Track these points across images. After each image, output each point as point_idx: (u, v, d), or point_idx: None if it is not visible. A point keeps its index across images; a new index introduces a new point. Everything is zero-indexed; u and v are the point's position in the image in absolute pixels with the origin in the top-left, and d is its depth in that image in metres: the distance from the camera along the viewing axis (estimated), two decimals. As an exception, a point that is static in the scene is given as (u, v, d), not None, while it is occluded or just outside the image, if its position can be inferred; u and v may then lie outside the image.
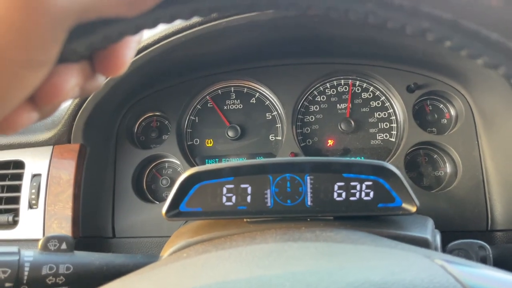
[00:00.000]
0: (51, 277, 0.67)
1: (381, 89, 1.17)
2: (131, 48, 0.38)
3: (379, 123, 1.16)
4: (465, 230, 1.01)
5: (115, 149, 1.16)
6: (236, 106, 1.20)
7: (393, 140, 1.15)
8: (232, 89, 1.21)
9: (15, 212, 1.06)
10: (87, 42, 0.34)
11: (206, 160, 1.19)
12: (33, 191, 1.04)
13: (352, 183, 0.73)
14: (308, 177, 0.74)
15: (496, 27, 0.33)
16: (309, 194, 0.74)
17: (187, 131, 1.20)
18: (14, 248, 0.68)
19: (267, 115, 1.19)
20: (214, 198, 0.75)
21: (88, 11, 0.30)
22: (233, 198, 0.75)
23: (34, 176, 1.06)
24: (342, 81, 1.19)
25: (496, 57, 0.34)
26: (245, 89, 1.21)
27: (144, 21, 0.34)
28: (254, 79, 1.19)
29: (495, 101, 1.02)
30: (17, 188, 1.07)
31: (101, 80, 0.40)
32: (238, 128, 1.16)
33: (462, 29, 0.33)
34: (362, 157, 1.14)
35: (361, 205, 0.73)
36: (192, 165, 1.15)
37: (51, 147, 1.09)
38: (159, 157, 1.19)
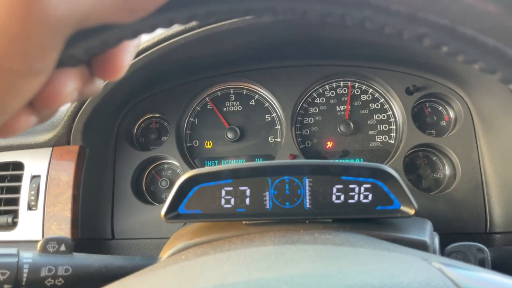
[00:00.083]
0: (50, 279, 0.67)
1: (380, 91, 1.17)
2: (130, 52, 0.38)
3: (378, 125, 1.16)
4: (463, 232, 1.01)
5: (115, 151, 1.17)
6: (235, 108, 1.20)
7: (392, 142, 1.15)
8: (232, 91, 1.21)
9: (14, 214, 1.06)
10: (85, 47, 0.34)
11: (206, 162, 1.19)
12: (32, 192, 1.04)
13: (351, 186, 0.73)
14: (306, 180, 0.74)
15: (492, 32, 0.33)
16: (307, 197, 0.74)
17: (187, 133, 1.21)
18: (13, 250, 0.68)
19: (266, 117, 1.19)
20: (213, 200, 0.75)
21: (87, 19, 0.31)
22: (232, 201, 0.75)
23: (33, 177, 1.06)
24: (342, 83, 1.19)
25: (492, 62, 0.35)
26: (245, 91, 1.21)
27: (142, 26, 0.34)
28: (253, 81, 1.19)
29: (494, 104, 1.02)
30: (16, 190, 1.07)
31: (100, 84, 0.40)
32: (238, 130, 1.17)
33: (459, 35, 0.33)
34: (361, 159, 1.15)
35: (360, 208, 0.73)
36: (191, 167, 1.16)
37: (50, 148, 1.09)
38: (158, 159, 1.19)
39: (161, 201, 1.17)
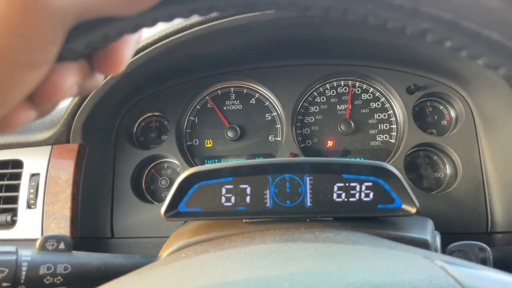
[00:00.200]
0: (49, 277, 0.67)
1: (381, 90, 1.17)
2: (130, 46, 0.38)
3: (379, 124, 1.15)
4: (464, 232, 1.01)
5: (114, 149, 1.16)
6: (235, 107, 1.20)
7: (393, 141, 1.14)
8: (232, 89, 1.21)
9: (13, 212, 1.05)
10: (86, 41, 0.34)
11: (206, 161, 1.19)
12: (32, 190, 1.04)
13: (352, 184, 0.73)
14: (307, 178, 0.74)
15: (496, 27, 0.33)
16: (308, 195, 0.74)
17: (187, 132, 1.20)
18: (11, 248, 0.67)
19: (266, 116, 1.19)
20: (213, 199, 0.75)
21: (87, 10, 0.30)
22: (232, 199, 0.75)
23: (32, 175, 1.06)
24: (342, 82, 1.19)
25: (496, 57, 0.34)
26: (245, 89, 1.21)
27: (143, 19, 0.34)
28: (254, 79, 1.18)
29: (495, 103, 1.02)
30: (16, 188, 1.07)
31: (100, 79, 0.40)
32: (238, 129, 1.16)
33: (463, 29, 0.33)
34: (362, 158, 1.14)
35: (361, 206, 0.72)
36: (191, 166, 1.15)
37: (49, 146, 1.08)
38: (158, 158, 1.18)
39: (161, 200, 1.16)
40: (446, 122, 1.14)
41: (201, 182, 0.74)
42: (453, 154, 1.08)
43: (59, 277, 0.68)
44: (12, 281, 0.65)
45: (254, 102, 1.20)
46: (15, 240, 1.02)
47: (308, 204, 0.74)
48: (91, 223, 1.07)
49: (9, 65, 0.29)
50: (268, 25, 0.94)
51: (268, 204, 0.74)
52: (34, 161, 1.07)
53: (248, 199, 0.75)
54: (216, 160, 1.18)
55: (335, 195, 0.73)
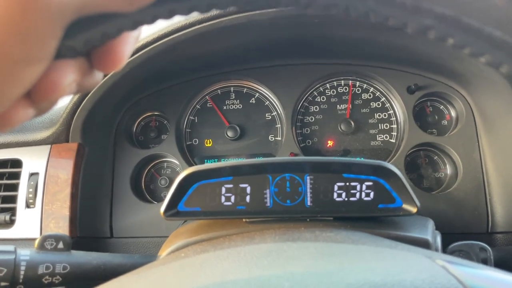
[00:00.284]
0: (47, 277, 0.66)
1: (381, 90, 1.17)
2: (129, 44, 0.38)
3: (379, 124, 1.15)
4: (465, 232, 1.00)
5: (114, 149, 1.16)
6: (235, 106, 1.20)
7: (393, 141, 1.14)
8: (232, 89, 1.21)
9: (12, 211, 1.05)
10: (85, 38, 0.33)
11: (205, 160, 1.18)
12: (31, 190, 1.03)
13: (352, 183, 0.72)
14: (307, 177, 0.73)
15: (499, 24, 0.33)
16: (308, 194, 0.73)
17: (186, 131, 1.20)
18: (10, 247, 0.67)
19: (266, 116, 1.18)
20: (213, 198, 0.74)
21: (87, 6, 0.30)
22: (232, 198, 0.74)
23: (31, 175, 1.05)
24: (342, 82, 1.18)
25: (498, 55, 0.34)
26: (245, 89, 1.20)
27: (142, 16, 0.34)
28: (253, 79, 1.18)
29: (495, 103, 1.02)
30: (14, 187, 1.06)
31: (99, 77, 0.40)
32: (238, 128, 1.16)
33: (465, 26, 0.33)
34: (362, 158, 1.14)
35: (361, 206, 0.72)
36: (191, 165, 1.15)
37: (49, 146, 1.08)
38: (158, 157, 1.18)
39: (160, 200, 1.16)
40: (446, 122, 1.14)
41: (200, 181, 0.74)
42: (454, 154, 1.08)
43: (58, 277, 0.67)
44: (10, 281, 0.64)
45: (254, 101, 1.19)
46: (14, 239, 1.02)
47: (308, 203, 0.74)
48: (90, 223, 1.07)
49: (7, 60, 0.29)
50: (268, 24, 0.94)
51: (268, 204, 0.74)
52: (33, 161, 1.07)
53: (248, 198, 0.74)
54: (216, 160, 1.18)
55: (335, 195, 0.73)
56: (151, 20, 0.35)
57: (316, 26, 0.99)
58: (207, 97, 1.20)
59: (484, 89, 1.02)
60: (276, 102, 1.17)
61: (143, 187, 1.18)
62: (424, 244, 0.65)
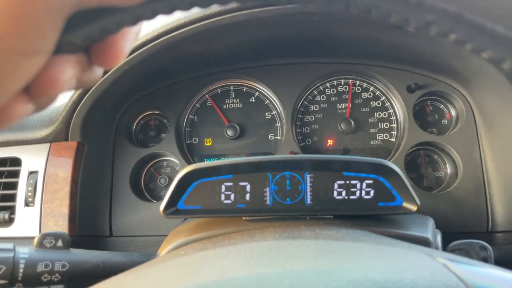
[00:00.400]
0: (46, 275, 0.66)
1: (381, 89, 1.16)
2: (129, 39, 0.37)
3: (379, 123, 1.15)
4: (465, 231, 1.00)
5: (113, 147, 1.16)
6: (235, 105, 1.19)
7: (393, 140, 1.14)
8: (232, 88, 1.20)
9: (11, 210, 1.05)
10: (85, 33, 0.33)
11: (205, 159, 1.18)
12: (30, 188, 1.03)
13: (352, 182, 0.72)
14: (308, 175, 0.73)
15: (501, 20, 0.32)
16: (308, 193, 0.73)
17: (186, 130, 1.20)
18: (9, 245, 0.67)
19: (266, 115, 1.18)
20: (213, 196, 0.74)
21: None
22: (232, 196, 0.74)
23: (30, 173, 1.05)
24: (342, 81, 1.18)
25: (501, 51, 0.34)
26: (245, 88, 1.20)
27: (143, 11, 0.34)
28: (253, 78, 1.18)
29: (495, 102, 1.01)
30: (14, 186, 1.06)
31: (99, 72, 0.40)
32: (237, 127, 1.16)
33: (467, 22, 0.33)
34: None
35: (361, 204, 0.72)
36: (190, 164, 1.15)
37: (48, 144, 1.08)
38: (157, 156, 1.18)
39: (160, 199, 1.16)
40: (446, 121, 1.14)
41: (200, 180, 0.74)
42: (454, 153, 1.08)
43: (57, 275, 0.67)
44: (9, 279, 0.64)
45: (254, 100, 1.19)
46: (13, 238, 1.02)
47: (308, 202, 0.73)
48: (89, 221, 1.07)
49: (7, 53, 0.29)
50: (268, 22, 0.94)
51: (268, 202, 0.74)
52: (32, 159, 1.06)
53: (247, 196, 0.74)
54: (216, 159, 1.18)
55: (335, 193, 0.72)
56: (151, 16, 0.34)
57: (316, 24, 0.99)
58: (207, 96, 1.20)
59: (484, 88, 1.02)
60: (276, 101, 1.17)
61: (143, 185, 1.17)
62: (424, 242, 0.65)
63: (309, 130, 1.17)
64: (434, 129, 1.13)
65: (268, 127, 1.18)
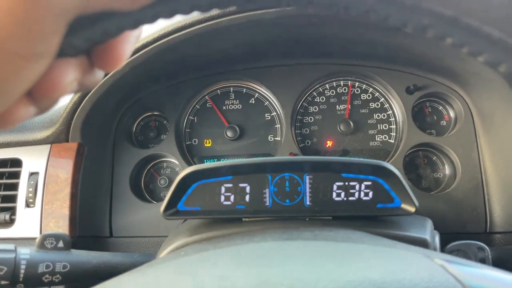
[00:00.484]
0: (47, 275, 0.67)
1: (380, 90, 1.17)
2: (130, 42, 0.38)
3: (378, 125, 1.16)
4: (463, 232, 1.01)
5: (113, 148, 1.16)
6: (235, 107, 1.20)
7: (392, 141, 1.14)
8: (231, 89, 1.21)
9: (12, 211, 1.05)
10: (86, 36, 0.33)
11: (205, 160, 1.19)
12: (31, 189, 1.04)
13: (351, 183, 0.73)
14: (307, 177, 0.74)
15: (497, 24, 0.33)
16: (307, 194, 0.74)
17: (186, 131, 1.20)
18: (10, 246, 0.67)
19: (266, 116, 1.19)
20: (213, 197, 0.75)
21: (90, 3, 0.30)
22: (232, 197, 0.74)
23: (31, 174, 1.05)
24: (342, 82, 1.19)
25: (497, 54, 0.34)
26: (244, 89, 1.21)
27: (143, 15, 0.34)
28: (253, 79, 1.18)
29: (494, 103, 1.02)
30: (14, 187, 1.06)
31: (100, 75, 0.40)
32: (237, 129, 1.16)
33: (464, 26, 0.33)
34: (361, 158, 1.14)
35: (360, 205, 0.72)
36: (190, 165, 1.15)
37: (49, 145, 1.08)
38: (157, 157, 1.18)
39: (160, 200, 1.16)
40: (445, 122, 1.14)
41: (200, 181, 0.74)
42: (452, 154, 1.08)
43: (58, 275, 0.68)
44: (10, 279, 0.65)
45: (253, 101, 1.20)
46: (14, 238, 1.02)
47: (308, 203, 0.74)
48: (89, 222, 1.07)
49: (12, 56, 0.29)
50: (268, 24, 0.94)
51: (268, 203, 0.74)
52: (33, 160, 1.07)
53: (247, 198, 0.74)
54: (215, 160, 1.18)
55: (334, 194, 0.73)
56: (152, 19, 0.35)
57: (316, 26, 0.99)
58: (206, 97, 1.21)
59: (483, 89, 1.03)
60: (276, 102, 1.18)
61: (143, 186, 1.18)
62: (422, 243, 0.65)
63: (308, 131, 1.18)
64: (433, 130, 1.14)
65: (267, 128, 1.18)
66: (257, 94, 1.20)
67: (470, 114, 1.09)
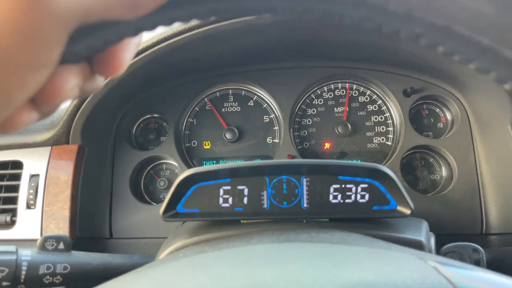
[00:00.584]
0: (48, 277, 0.67)
1: (378, 93, 1.18)
2: (130, 49, 0.39)
3: (376, 127, 1.16)
4: (460, 234, 1.02)
5: (113, 150, 1.17)
6: (234, 109, 1.21)
7: (390, 143, 1.15)
8: (230, 91, 1.22)
9: (13, 212, 1.06)
10: (87, 44, 0.34)
11: (204, 162, 1.20)
12: (31, 191, 1.04)
13: (348, 186, 0.73)
14: (304, 179, 0.75)
15: (487, 32, 0.34)
16: (305, 196, 0.74)
17: (185, 133, 1.21)
18: (12, 248, 0.68)
19: (264, 118, 1.20)
20: (211, 200, 0.75)
21: (91, 13, 0.31)
22: (230, 200, 0.75)
23: (32, 176, 1.06)
24: (340, 85, 1.20)
25: (487, 62, 0.35)
26: (243, 91, 1.21)
27: (143, 23, 0.35)
28: (252, 82, 1.19)
29: (490, 106, 1.03)
30: (15, 188, 1.07)
31: (100, 81, 0.41)
32: (236, 131, 1.17)
33: (454, 35, 0.34)
34: (359, 160, 1.15)
35: (357, 208, 0.73)
36: (189, 167, 1.16)
37: (49, 147, 1.09)
38: (157, 159, 1.19)
39: (159, 201, 1.17)
40: (442, 125, 1.15)
41: (199, 183, 0.75)
42: (449, 157, 1.09)
43: (59, 277, 0.68)
44: (12, 281, 0.65)
45: (252, 104, 1.21)
46: (15, 240, 1.03)
47: (305, 205, 0.75)
48: (90, 224, 1.08)
49: (15, 65, 0.30)
50: (266, 28, 0.95)
51: (265, 205, 0.75)
52: (33, 162, 1.08)
53: (245, 200, 0.75)
54: (214, 162, 1.19)
55: (331, 197, 0.74)
56: (151, 27, 0.36)
57: (314, 29, 1.00)
58: (205, 99, 1.22)
59: (479, 92, 1.04)
60: (274, 105, 1.19)
61: (142, 188, 1.19)
62: (417, 245, 0.66)
63: (306, 133, 1.19)
64: (429, 133, 1.15)
65: (266, 130, 1.19)
66: (255, 96, 1.21)
67: (466, 117, 1.10)
